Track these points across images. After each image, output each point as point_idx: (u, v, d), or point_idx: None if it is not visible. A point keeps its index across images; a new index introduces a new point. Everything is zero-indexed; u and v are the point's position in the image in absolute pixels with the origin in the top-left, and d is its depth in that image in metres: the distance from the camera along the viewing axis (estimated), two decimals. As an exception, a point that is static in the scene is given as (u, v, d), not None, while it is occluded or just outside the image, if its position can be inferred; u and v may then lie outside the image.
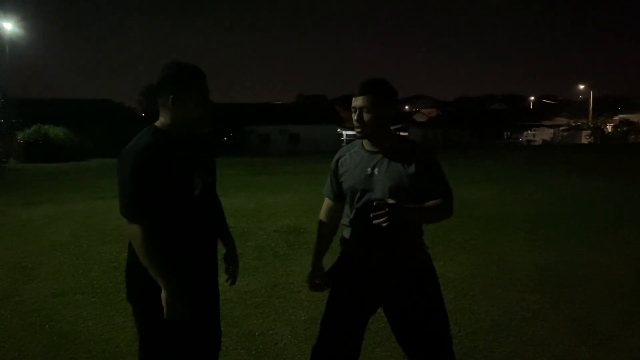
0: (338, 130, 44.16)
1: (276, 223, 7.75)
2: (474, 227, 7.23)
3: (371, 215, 2.06)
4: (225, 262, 2.42)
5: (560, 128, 55.06)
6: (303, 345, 3.51)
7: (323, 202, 2.55)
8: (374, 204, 2.09)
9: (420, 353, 2.32)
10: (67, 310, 4.33)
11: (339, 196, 2.44)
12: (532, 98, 79.44)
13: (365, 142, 2.34)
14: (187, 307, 2.05)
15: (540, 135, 53.43)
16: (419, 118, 63.98)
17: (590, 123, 50.52)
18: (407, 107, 78.58)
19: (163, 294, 2.02)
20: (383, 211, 2.03)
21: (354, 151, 2.38)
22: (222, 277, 2.38)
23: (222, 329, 2.42)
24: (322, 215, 2.53)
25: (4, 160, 24.66)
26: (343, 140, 42.50)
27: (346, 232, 2.40)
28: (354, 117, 2.27)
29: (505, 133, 53.08)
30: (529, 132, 54.70)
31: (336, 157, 2.45)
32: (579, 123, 53.33)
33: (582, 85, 64.01)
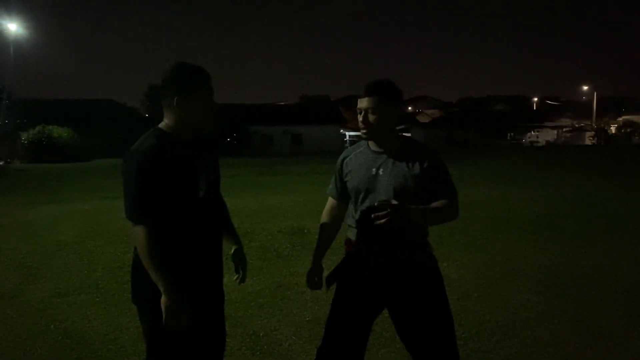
0: (341, 131, 44.15)
1: (280, 224, 7.76)
2: (478, 228, 7.23)
3: (373, 215, 2.06)
4: (234, 262, 2.41)
5: (564, 129, 54.96)
6: (307, 346, 3.52)
7: (327, 202, 2.55)
8: (376, 204, 2.09)
9: (425, 354, 2.31)
10: (72, 310, 4.34)
11: (343, 196, 2.44)
12: (536, 99, 79.25)
13: (370, 142, 2.34)
14: (185, 316, 2.03)
15: (544, 136, 53.33)
16: (422, 119, 63.90)
17: (593, 124, 50.40)
18: (410, 108, 78.49)
19: (162, 300, 2.01)
20: (386, 212, 2.04)
21: (359, 151, 2.38)
22: (226, 277, 2.39)
23: (226, 329, 2.43)
24: (325, 214, 2.53)
25: (9, 160, 24.79)
26: (346, 141, 42.50)
27: (350, 233, 2.40)
28: (360, 118, 2.27)
29: (508, 134, 52.98)
30: (533, 133, 54.59)
31: (342, 157, 2.45)
32: (582, 124, 53.23)
33: (586, 86, 63.83)
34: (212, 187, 2.23)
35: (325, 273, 2.48)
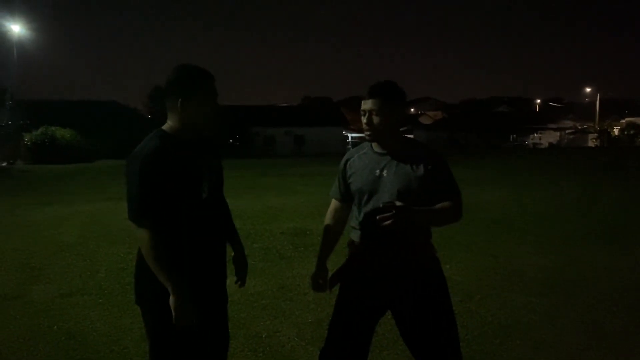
0: (343, 132, 44.16)
1: (282, 225, 7.77)
2: (481, 230, 7.22)
3: (377, 217, 2.06)
4: (234, 265, 2.42)
5: (567, 131, 54.82)
6: (310, 347, 3.52)
7: (329, 203, 2.55)
8: (381, 205, 2.09)
9: (428, 356, 2.31)
10: (74, 311, 4.35)
11: (346, 197, 2.44)
12: (538, 101, 79.10)
13: (374, 144, 2.34)
14: (194, 312, 2.05)
15: (547, 138, 53.19)
16: (425, 120, 63.85)
17: (596, 126, 50.31)
18: (412, 109, 78.42)
19: (171, 299, 2.02)
20: (390, 213, 2.04)
21: (362, 153, 2.38)
22: (229, 279, 2.39)
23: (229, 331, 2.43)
24: (329, 216, 2.53)
25: (12, 161, 24.85)
26: (348, 142, 42.51)
27: (354, 235, 2.40)
28: (364, 119, 2.27)
29: (511, 136, 52.86)
30: (535, 135, 54.46)
31: (345, 158, 2.45)
32: (585, 126, 53.12)
33: (589, 88, 63.77)
34: (215, 189, 2.23)
35: (329, 275, 2.48)
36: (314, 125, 41.54)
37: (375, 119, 2.23)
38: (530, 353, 3.45)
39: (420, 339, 2.30)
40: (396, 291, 2.29)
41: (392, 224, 2.03)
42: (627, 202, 9.92)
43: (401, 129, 2.36)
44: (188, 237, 2.12)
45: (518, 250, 6.18)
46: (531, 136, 54.35)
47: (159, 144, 2.06)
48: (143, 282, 2.18)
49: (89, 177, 17.36)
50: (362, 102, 2.27)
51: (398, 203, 2.07)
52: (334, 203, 2.52)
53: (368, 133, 2.29)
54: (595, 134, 48.76)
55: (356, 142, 35.93)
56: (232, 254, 2.41)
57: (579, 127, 54.18)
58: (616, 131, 49.02)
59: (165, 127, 2.16)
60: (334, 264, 2.48)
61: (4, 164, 24.10)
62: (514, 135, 53.21)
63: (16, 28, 28.21)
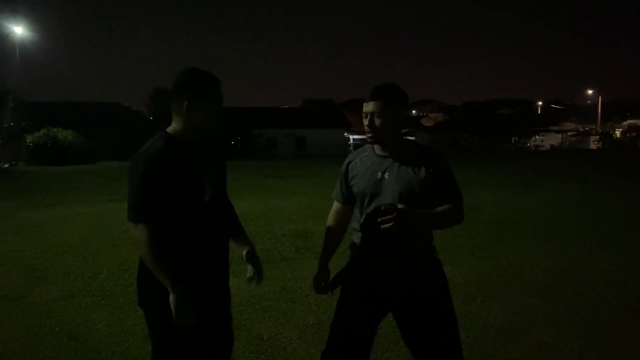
0: (345, 134, 44.16)
1: (284, 227, 7.77)
2: (483, 232, 7.22)
3: (379, 219, 2.06)
4: (248, 262, 2.40)
5: (569, 133, 54.80)
6: (311, 349, 3.52)
7: (331, 206, 2.55)
8: (382, 208, 2.09)
9: (430, 358, 2.31)
10: (76, 312, 4.35)
11: (348, 199, 2.44)
12: (540, 103, 79.09)
13: (375, 146, 2.34)
14: (193, 312, 2.05)
15: (548, 140, 53.15)
16: (426, 122, 63.80)
17: (598, 128, 50.28)
18: (414, 111, 78.42)
19: (170, 298, 2.02)
20: (391, 215, 2.04)
21: (364, 155, 2.39)
22: (231, 280, 2.39)
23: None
24: (331, 218, 2.54)
25: (14, 162, 24.89)
26: (350, 144, 42.51)
27: (355, 237, 2.40)
28: (365, 122, 2.27)
29: (513, 138, 52.84)
30: (537, 137, 54.42)
31: (347, 160, 2.45)
32: (587, 128, 53.09)
33: (591, 90, 63.80)
34: (218, 191, 2.24)
35: (331, 277, 2.49)
36: (315, 127, 41.54)
37: (377, 121, 2.23)
38: (532, 355, 3.45)
39: (421, 341, 2.30)
40: (397, 293, 2.29)
41: (393, 226, 2.03)
42: (629, 204, 9.90)
43: (403, 131, 2.36)
44: (189, 238, 2.12)
45: (520, 252, 6.17)
46: (533, 138, 54.30)
47: (162, 145, 2.07)
48: (145, 284, 2.18)
49: (91, 179, 17.37)
50: (364, 104, 2.27)
51: (399, 205, 2.07)
52: (335, 205, 2.52)
53: (370, 135, 2.29)
54: (597, 136, 48.69)
55: (358, 144, 35.94)
56: (244, 252, 2.39)
57: (581, 129, 54.14)
58: (618, 133, 48.97)
59: (169, 129, 2.17)
60: (335, 266, 2.48)
61: (6, 166, 24.14)
62: (516, 138, 53.17)
63: (19, 30, 28.26)
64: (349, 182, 2.41)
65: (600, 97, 55.37)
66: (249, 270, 2.40)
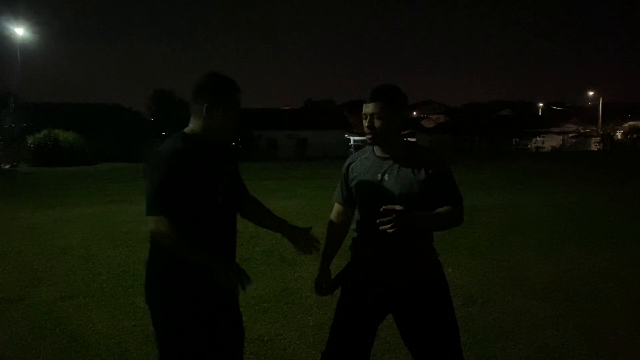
0: (346, 135, 44.15)
1: (284, 228, 7.74)
2: (484, 234, 7.20)
3: (378, 221, 2.06)
4: (293, 241, 2.40)
5: (570, 135, 54.72)
6: (312, 351, 3.51)
7: (332, 207, 2.55)
8: (381, 209, 2.09)
9: (430, 360, 2.31)
10: (76, 313, 4.35)
11: (348, 201, 2.44)
12: (541, 104, 78.93)
13: (376, 148, 2.35)
14: (242, 273, 2.04)
15: (549, 141, 53.10)
16: (427, 124, 63.76)
17: (599, 130, 50.18)
18: (415, 112, 78.40)
19: (215, 274, 2.02)
20: (390, 217, 2.04)
21: (364, 157, 2.39)
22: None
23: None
24: (331, 219, 2.53)
25: (15, 164, 24.90)
26: (351, 145, 42.50)
27: (356, 238, 2.40)
28: (365, 123, 2.27)
29: (513, 139, 52.78)
30: (538, 138, 54.38)
31: (347, 162, 2.45)
32: (588, 130, 52.98)
33: (592, 91, 63.65)
34: (230, 194, 2.27)
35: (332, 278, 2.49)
36: (316, 128, 41.56)
37: (377, 123, 2.23)
38: (533, 358, 3.44)
39: (421, 343, 2.30)
40: (397, 295, 2.29)
41: (392, 228, 2.03)
42: (630, 206, 9.89)
43: (403, 133, 2.36)
44: (201, 239, 2.13)
45: (521, 254, 6.16)
46: (534, 140, 54.25)
47: (181, 145, 2.12)
48: (153, 282, 2.21)
49: (92, 180, 17.37)
50: (364, 105, 2.27)
51: (398, 207, 2.06)
52: (336, 207, 2.52)
53: (370, 136, 2.29)
54: (598, 138, 48.61)
55: (358, 146, 35.91)
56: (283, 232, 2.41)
57: (582, 131, 54.03)
58: (619, 135, 48.89)
59: (187, 129, 2.22)
60: (336, 267, 2.48)
61: (7, 167, 24.14)
62: (517, 139, 53.12)
63: (20, 31, 28.31)
64: (349, 183, 2.41)
65: (601, 99, 55.19)
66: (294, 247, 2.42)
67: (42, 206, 10.60)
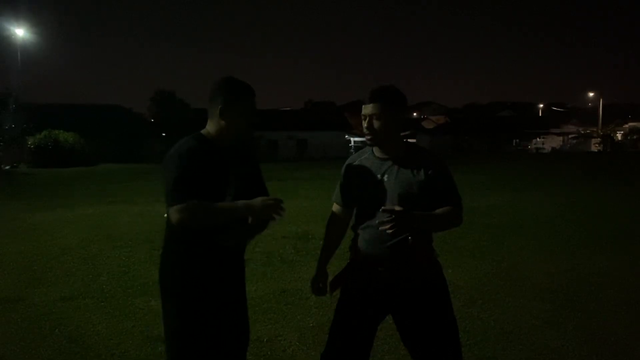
0: (346, 136, 44.16)
1: (284, 229, 7.74)
2: (484, 234, 7.20)
3: (377, 222, 2.06)
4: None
5: (570, 136, 54.74)
6: (311, 352, 3.51)
7: (332, 208, 2.55)
8: (381, 210, 2.09)
9: (430, 361, 2.31)
10: (76, 314, 4.35)
11: (348, 202, 2.44)
12: (541, 105, 78.87)
13: (375, 149, 2.35)
14: (271, 207, 2.10)
15: (550, 142, 53.09)
16: (427, 125, 63.77)
17: (599, 131, 50.18)
18: (415, 113, 78.39)
19: (252, 213, 2.09)
20: (389, 218, 2.03)
21: (364, 157, 2.39)
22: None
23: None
24: (330, 220, 2.54)
25: (15, 164, 24.89)
26: (351, 146, 42.50)
27: (355, 239, 2.40)
28: (364, 124, 2.27)
29: (514, 140, 52.79)
30: (538, 139, 54.38)
31: (347, 163, 2.46)
32: (588, 131, 52.99)
33: (592, 92, 63.60)
34: (242, 194, 2.27)
35: (330, 278, 2.48)
36: (316, 130, 41.54)
37: (376, 124, 2.23)
38: (532, 358, 3.44)
39: (421, 344, 2.30)
40: (397, 296, 2.29)
41: (392, 228, 2.03)
42: (630, 206, 9.88)
43: (402, 134, 2.36)
44: (209, 239, 2.18)
45: (521, 255, 6.15)
46: (534, 141, 54.25)
47: (195, 144, 2.19)
48: (166, 277, 2.27)
49: (92, 181, 17.36)
50: (363, 106, 2.28)
51: (397, 208, 2.06)
52: (335, 207, 2.52)
53: (369, 137, 2.29)
54: (599, 139, 48.60)
55: (359, 146, 35.92)
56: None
57: (582, 132, 54.05)
58: (619, 136, 48.88)
59: (203, 131, 2.28)
60: (336, 268, 2.47)
61: (7, 167, 24.13)
62: (517, 140, 53.12)
63: (20, 32, 28.31)
64: (348, 184, 2.41)
65: (601, 100, 55.18)
66: None
67: (42, 207, 10.59)
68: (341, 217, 2.50)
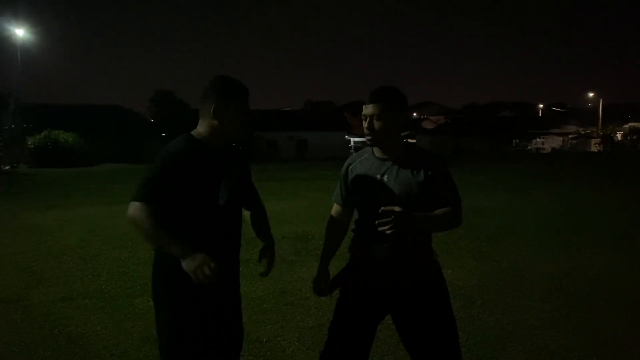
0: (346, 137, 44.16)
1: (284, 229, 7.75)
2: (484, 235, 7.20)
3: (377, 222, 2.06)
4: (261, 255, 2.52)
5: (570, 136, 54.77)
6: (311, 352, 3.51)
7: (332, 208, 2.55)
8: (380, 210, 2.09)
9: (429, 361, 2.30)
10: (76, 314, 4.34)
11: (348, 202, 2.44)
12: (541, 106, 78.90)
13: (375, 149, 2.35)
14: (213, 269, 1.95)
15: (550, 143, 53.13)
16: (427, 125, 63.81)
17: (599, 131, 50.21)
18: (415, 114, 78.39)
19: (184, 264, 1.97)
20: (389, 218, 2.03)
21: (364, 158, 2.38)
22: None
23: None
24: (331, 220, 2.53)
25: (15, 165, 24.90)
26: (351, 146, 42.50)
27: (355, 239, 2.40)
28: (365, 124, 2.27)
29: (514, 141, 52.81)
30: (538, 140, 54.41)
31: (347, 163, 2.45)
32: (588, 131, 53.03)
33: (592, 93, 63.64)
34: (235, 196, 2.28)
35: (330, 279, 2.48)
36: (316, 130, 41.55)
37: (377, 124, 2.23)
38: (532, 359, 3.43)
39: (420, 344, 2.30)
40: (396, 296, 2.29)
41: (389, 228, 2.03)
42: (630, 207, 9.88)
43: (402, 134, 2.36)
44: (203, 240, 2.12)
45: (521, 255, 6.15)
46: (534, 141, 54.27)
47: (183, 145, 2.15)
48: (159, 279, 2.23)
49: (92, 181, 17.37)
50: (363, 107, 2.27)
51: (397, 208, 2.06)
52: (335, 207, 2.52)
53: (369, 138, 2.29)
54: (598, 139, 48.63)
55: (358, 147, 35.87)
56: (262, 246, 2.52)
57: (582, 132, 54.08)
58: (619, 136, 48.91)
59: (193, 132, 2.24)
60: (335, 268, 2.47)
61: (7, 168, 24.14)
62: (517, 140, 53.14)
63: (20, 32, 28.31)
64: (348, 184, 2.41)
65: (601, 100, 55.21)
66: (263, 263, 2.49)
67: (41, 207, 10.60)
68: (341, 217, 2.50)
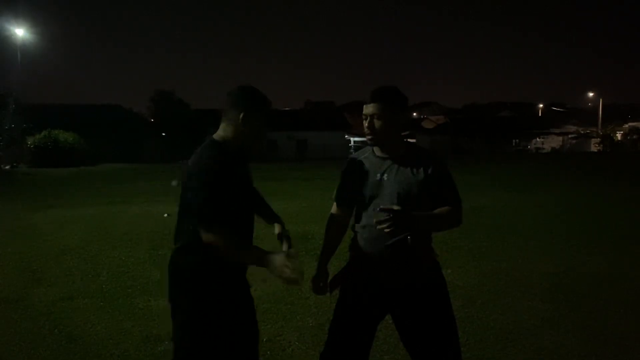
0: (346, 136, 44.18)
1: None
2: (483, 235, 7.20)
3: (376, 221, 2.06)
4: (283, 239, 2.58)
5: (569, 136, 54.72)
6: (311, 351, 3.51)
7: (332, 207, 2.55)
8: (378, 209, 2.09)
9: (429, 361, 2.31)
10: (76, 314, 4.35)
11: (348, 201, 2.45)
12: (541, 105, 78.84)
13: (375, 148, 2.35)
14: (294, 266, 2.03)
15: (549, 143, 53.07)
16: (427, 125, 63.80)
17: (599, 131, 50.18)
18: (415, 114, 78.39)
19: (269, 269, 2.04)
20: (388, 217, 2.03)
21: (364, 157, 2.39)
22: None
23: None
24: (330, 219, 2.54)
25: (15, 164, 24.90)
26: (351, 146, 42.52)
27: (355, 238, 2.40)
28: (365, 124, 2.28)
29: (514, 140, 52.79)
30: (538, 139, 54.37)
31: (347, 162, 2.46)
32: (588, 131, 53.01)
33: (592, 92, 63.64)
34: (252, 195, 2.37)
35: (330, 278, 2.48)
36: (316, 130, 41.56)
37: (377, 123, 2.24)
38: (532, 359, 3.43)
39: (420, 344, 2.30)
40: (396, 295, 2.29)
41: (388, 227, 2.03)
42: (630, 207, 9.88)
43: (403, 134, 2.36)
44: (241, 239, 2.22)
45: (521, 255, 6.15)
46: (534, 141, 54.24)
47: (217, 153, 2.19)
48: (179, 281, 2.25)
49: (92, 181, 17.37)
50: (364, 106, 2.28)
51: (396, 207, 2.07)
52: (335, 207, 2.52)
53: (370, 137, 2.30)
54: (598, 139, 48.60)
55: (358, 146, 35.91)
56: (276, 231, 2.62)
57: (582, 132, 54.05)
58: (619, 136, 48.87)
59: (217, 137, 2.28)
60: (335, 267, 2.47)
61: (7, 167, 24.14)
62: (517, 140, 53.12)
63: (20, 31, 28.29)
64: (348, 183, 2.41)
65: (601, 100, 55.14)
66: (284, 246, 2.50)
67: (41, 207, 10.60)
68: (341, 216, 2.50)
